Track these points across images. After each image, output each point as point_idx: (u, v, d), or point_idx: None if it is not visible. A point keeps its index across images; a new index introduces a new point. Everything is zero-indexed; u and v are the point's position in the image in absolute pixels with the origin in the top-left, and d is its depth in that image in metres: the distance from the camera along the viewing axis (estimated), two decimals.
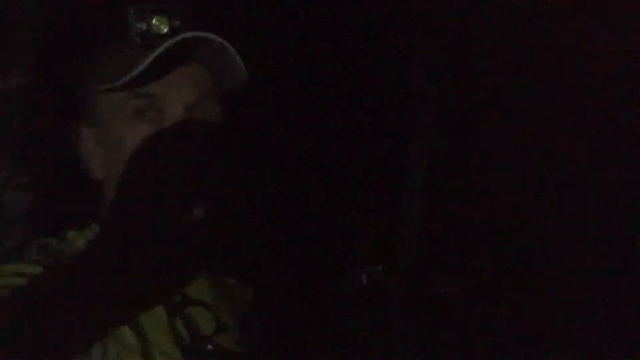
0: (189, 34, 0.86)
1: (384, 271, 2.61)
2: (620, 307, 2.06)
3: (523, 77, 2.10)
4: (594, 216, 2.15)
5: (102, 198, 0.91)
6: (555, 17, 2.02)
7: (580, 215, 2.14)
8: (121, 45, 0.88)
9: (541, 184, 2.17)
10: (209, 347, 0.89)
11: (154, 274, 0.72)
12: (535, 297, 2.19)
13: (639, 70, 1.96)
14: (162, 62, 0.84)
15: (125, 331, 0.83)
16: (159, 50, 0.83)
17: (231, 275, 1.04)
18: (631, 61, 1.97)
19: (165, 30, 0.88)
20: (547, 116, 2.12)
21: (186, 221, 0.71)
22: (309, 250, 2.13)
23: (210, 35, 0.87)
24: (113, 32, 0.88)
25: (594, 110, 2.08)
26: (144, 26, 0.87)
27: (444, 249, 2.29)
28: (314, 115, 2.02)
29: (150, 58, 0.82)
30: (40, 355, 0.69)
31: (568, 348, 2.03)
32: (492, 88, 2.11)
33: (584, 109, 2.09)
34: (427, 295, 2.49)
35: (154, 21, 0.88)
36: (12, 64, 1.40)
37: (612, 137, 2.09)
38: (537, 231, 2.20)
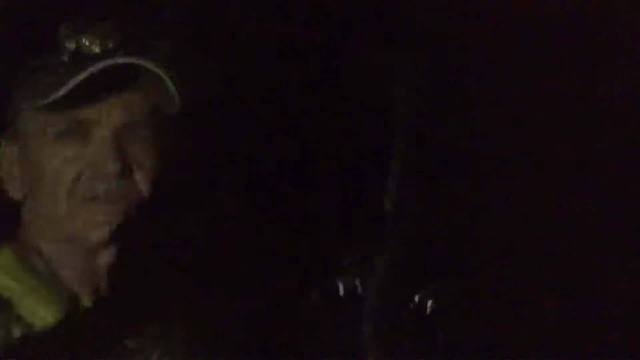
0: (119, 60, 0.82)
1: (361, 284, 2.60)
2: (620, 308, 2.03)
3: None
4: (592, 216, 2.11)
5: (18, 219, 0.89)
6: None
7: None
8: (50, 63, 0.85)
9: (539, 185, 2.13)
10: None
11: None
12: (528, 304, 2.15)
13: None
14: (91, 85, 0.81)
15: None
16: (84, 74, 0.80)
17: None
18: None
19: (97, 51, 0.85)
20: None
21: None
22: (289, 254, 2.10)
23: (145, 63, 0.84)
24: (43, 48, 0.85)
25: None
26: (73, 45, 0.83)
27: (432, 256, 2.26)
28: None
29: (74, 81, 0.79)
30: None
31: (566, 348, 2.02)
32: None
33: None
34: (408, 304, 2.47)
35: (84, 41, 0.85)
36: None
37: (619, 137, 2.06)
38: (531, 235, 2.16)
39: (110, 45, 0.84)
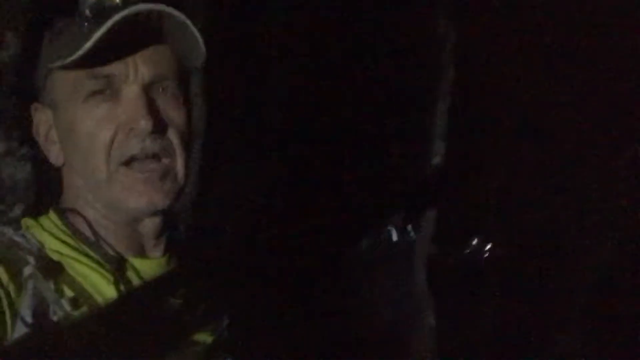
0: (142, 7, 0.80)
1: (414, 229, 2.58)
2: None
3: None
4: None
5: (61, 185, 0.88)
6: None
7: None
8: (73, 20, 0.83)
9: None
10: None
11: None
12: (575, 269, 2.11)
13: None
14: (115, 38, 0.80)
15: None
16: (109, 23, 0.78)
17: None
18: None
19: (117, 1, 0.82)
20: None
21: None
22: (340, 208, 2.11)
23: (168, 9, 0.82)
24: (63, 5, 0.83)
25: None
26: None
27: (480, 213, 2.25)
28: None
29: (99, 33, 0.77)
30: None
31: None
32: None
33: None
34: (457, 258, 2.45)
35: None
36: None
37: None
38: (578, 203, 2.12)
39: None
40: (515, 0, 1.99)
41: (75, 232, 0.85)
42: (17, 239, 0.83)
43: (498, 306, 2.30)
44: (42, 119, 0.87)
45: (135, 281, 0.85)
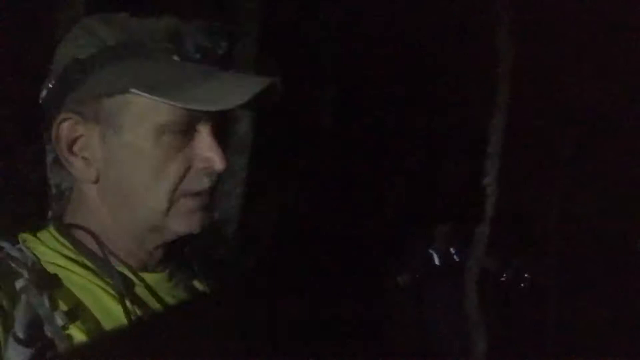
0: (276, 80, 0.78)
1: (457, 253, 2.51)
2: None
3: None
4: None
5: (87, 201, 0.84)
6: None
7: None
8: (165, 51, 0.81)
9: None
10: None
11: None
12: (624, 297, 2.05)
13: None
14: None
15: None
16: (251, 90, 0.75)
17: None
18: None
19: (221, 52, 0.79)
20: None
21: None
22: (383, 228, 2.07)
23: (278, 82, 0.79)
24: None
25: None
26: (207, 43, 0.78)
27: (522, 235, 2.20)
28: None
29: (248, 96, 0.75)
30: None
31: None
32: None
33: None
34: (500, 279, 2.38)
35: (203, 41, 0.78)
36: None
37: None
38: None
39: (223, 46, 0.79)
40: (576, 15, 1.93)
41: (78, 246, 0.81)
42: (13, 252, 0.79)
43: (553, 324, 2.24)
44: (78, 132, 0.82)
45: (141, 295, 0.81)
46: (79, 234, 0.82)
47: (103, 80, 0.80)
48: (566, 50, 1.94)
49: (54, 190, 0.85)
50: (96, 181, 0.83)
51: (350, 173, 1.80)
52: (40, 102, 0.83)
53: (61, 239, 0.82)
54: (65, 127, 0.81)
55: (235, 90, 0.77)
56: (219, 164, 0.80)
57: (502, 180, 1.98)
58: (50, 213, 0.85)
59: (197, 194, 0.80)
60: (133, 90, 0.78)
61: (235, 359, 0.77)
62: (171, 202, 0.80)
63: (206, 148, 0.79)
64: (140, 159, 0.79)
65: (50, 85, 0.81)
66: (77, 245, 0.82)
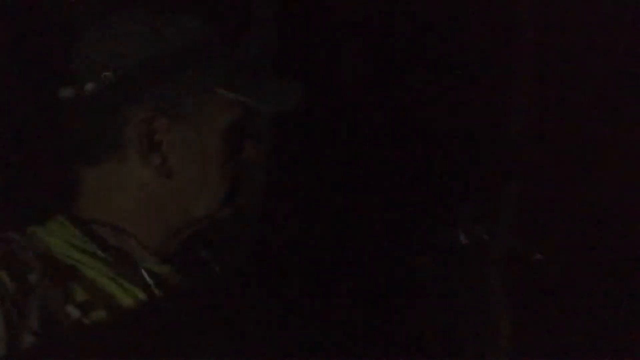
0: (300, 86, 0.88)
1: (484, 231, 2.52)
2: None
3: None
4: None
5: (161, 198, 0.87)
6: None
7: None
8: (234, 55, 0.88)
9: None
10: None
11: None
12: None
13: None
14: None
15: None
16: (299, 90, 0.86)
17: None
18: None
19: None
20: None
21: None
22: (407, 208, 2.10)
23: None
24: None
25: None
26: (253, 47, 0.87)
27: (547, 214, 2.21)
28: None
29: (298, 97, 0.85)
30: None
31: None
32: None
33: None
34: (526, 259, 2.40)
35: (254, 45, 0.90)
36: None
37: None
38: None
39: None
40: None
41: (94, 238, 0.84)
42: (25, 244, 0.82)
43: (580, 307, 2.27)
44: (161, 129, 0.86)
45: (155, 287, 0.84)
46: (99, 229, 0.85)
47: (190, 79, 0.85)
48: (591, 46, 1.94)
49: (76, 185, 0.89)
50: (170, 176, 0.87)
51: (376, 153, 1.83)
52: (85, 96, 0.82)
53: (76, 232, 0.85)
54: (150, 123, 0.85)
55: (286, 92, 0.86)
56: (255, 157, 0.89)
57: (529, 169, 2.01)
58: (60, 207, 0.87)
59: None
60: (219, 90, 0.83)
61: (249, 350, 0.82)
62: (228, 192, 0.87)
63: (254, 147, 0.88)
64: (214, 154, 0.84)
65: (107, 81, 0.82)
66: (94, 237, 0.84)
